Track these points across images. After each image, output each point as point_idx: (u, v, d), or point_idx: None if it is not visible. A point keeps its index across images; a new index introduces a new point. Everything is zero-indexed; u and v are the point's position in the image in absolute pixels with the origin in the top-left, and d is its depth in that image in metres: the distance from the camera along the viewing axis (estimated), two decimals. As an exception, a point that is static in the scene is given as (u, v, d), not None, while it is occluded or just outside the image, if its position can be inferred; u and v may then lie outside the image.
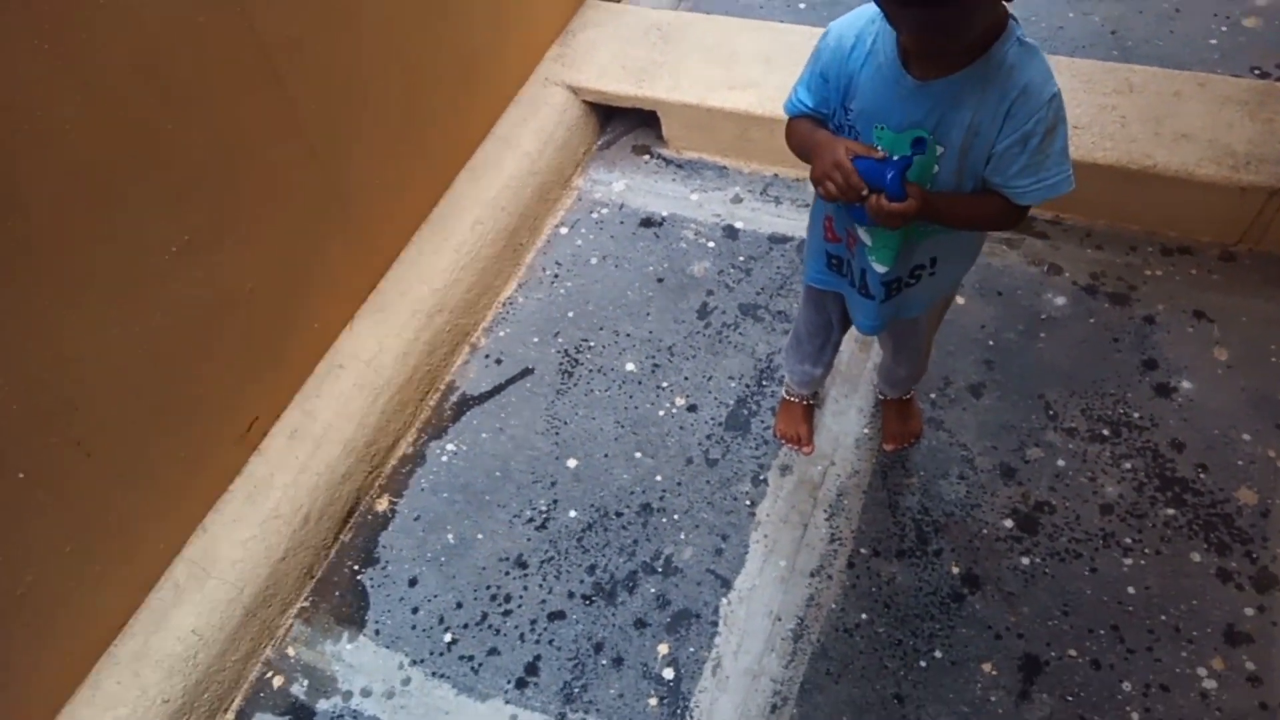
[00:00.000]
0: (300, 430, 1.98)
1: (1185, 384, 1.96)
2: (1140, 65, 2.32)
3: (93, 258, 1.47)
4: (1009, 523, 1.84)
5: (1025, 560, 1.78)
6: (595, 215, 2.51)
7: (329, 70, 1.84)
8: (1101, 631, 1.69)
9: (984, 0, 1.05)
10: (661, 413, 2.11)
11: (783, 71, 2.43)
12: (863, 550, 1.84)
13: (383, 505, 2.06)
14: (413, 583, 1.93)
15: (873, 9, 1.22)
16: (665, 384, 2.15)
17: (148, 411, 1.65)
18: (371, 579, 1.95)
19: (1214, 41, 2.54)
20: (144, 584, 1.76)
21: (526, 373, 2.23)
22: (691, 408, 2.10)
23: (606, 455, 2.06)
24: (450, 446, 2.13)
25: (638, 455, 2.05)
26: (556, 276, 2.39)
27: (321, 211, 1.94)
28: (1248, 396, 1.92)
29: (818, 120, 1.37)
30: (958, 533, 1.84)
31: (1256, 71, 2.44)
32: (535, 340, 2.28)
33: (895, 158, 1.21)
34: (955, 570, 1.79)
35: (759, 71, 2.45)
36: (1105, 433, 1.93)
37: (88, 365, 1.51)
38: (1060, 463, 1.90)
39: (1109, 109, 2.22)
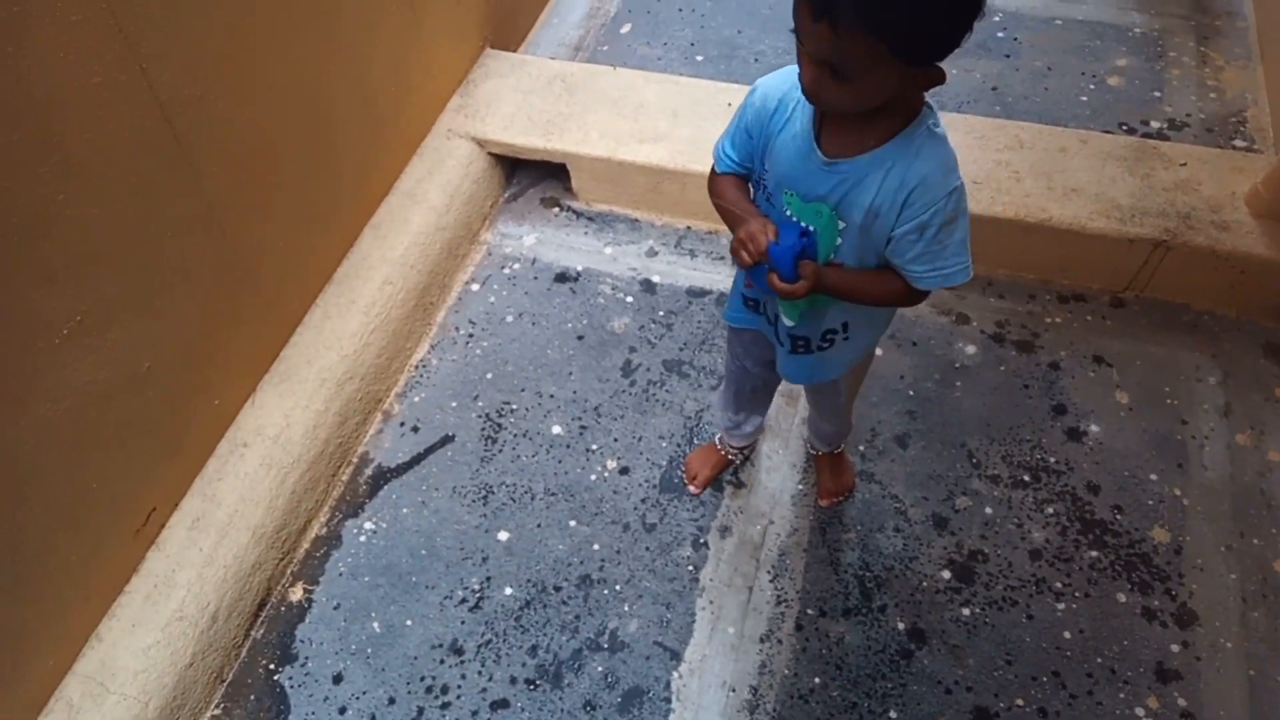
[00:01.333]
0: (203, 519, 1.80)
1: (1093, 427, 2.06)
2: (1024, 121, 2.45)
3: (-27, 348, 1.29)
4: (947, 574, 1.87)
5: (966, 611, 1.82)
6: (507, 270, 2.43)
7: (229, 128, 1.70)
8: (1044, 678, 1.73)
9: (876, 61, 1.02)
10: (594, 477, 2.04)
11: (690, 125, 2.43)
12: (809, 611, 1.83)
13: (297, 594, 1.89)
14: (337, 679, 1.78)
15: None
16: (595, 446, 2.09)
17: (33, 515, 1.46)
18: (291, 679, 1.78)
19: (1084, 99, 2.72)
20: (32, 707, 1.54)
21: (447, 440, 2.11)
22: (624, 470, 2.04)
23: (539, 525, 1.97)
24: (369, 525, 1.99)
25: (572, 524, 1.97)
26: (471, 336, 2.29)
27: (223, 279, 1.78)
28: (1149, 438, 2.04)
29: (741, 179, 1.38)
30: (899, 587, 1.86)
31: (1124, 127, 2.63)
32: (454, 405, 2.17)
33: (790, 241, 1.20)
34: (901, 626, 1.80)
35: (666, 124, 2.45)
36: (1026, 478, 2.00)
37: (-36, 471, 1.32)
38: (988, 510, 1.95)
39: (1003, 164, 2.33)
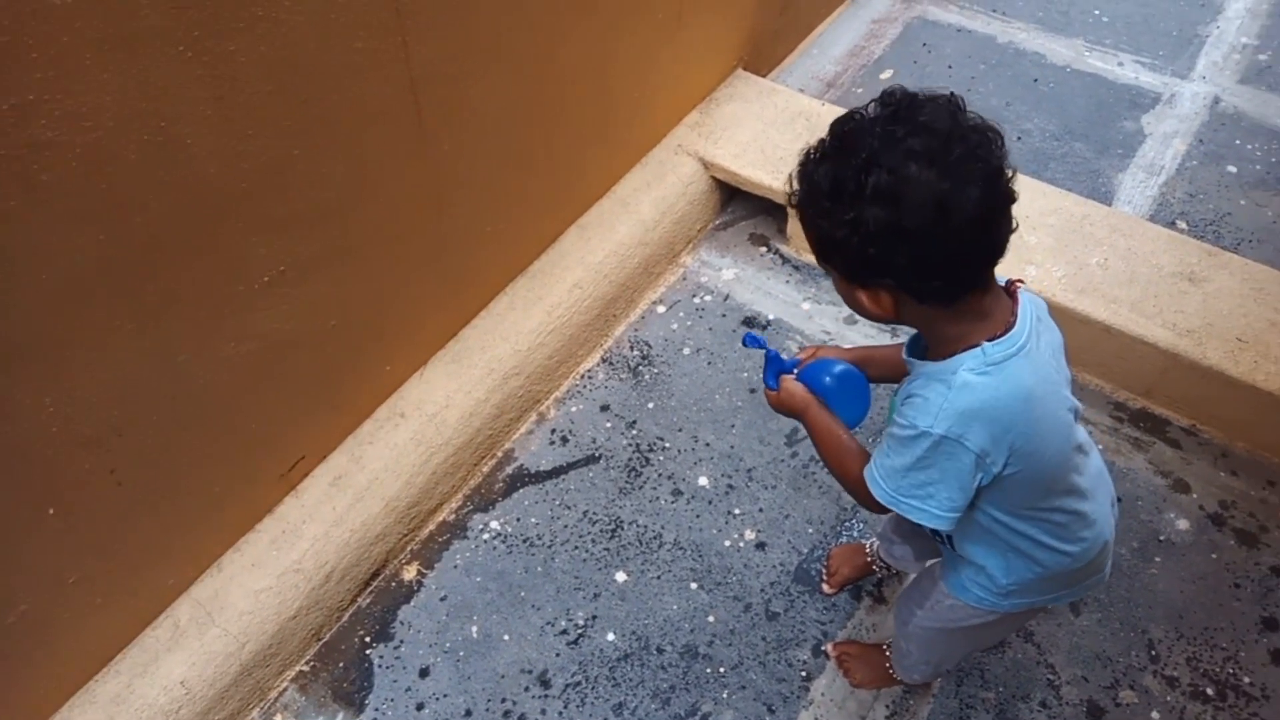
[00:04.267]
0: (344, 478, 1.81)
1: (1310, 660, 1.76)
2: (1318, 281, 2.12)
3: (181, 279, 1.31)
4: (1086, 773, 1.64)
5: (1100, 824, 1.59)
6: (697, 300, 2.33)
7: (470, 111, 1.69)
8: None
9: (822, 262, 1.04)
10: (728, 543, 1.93)
11: (931, 197, 2.24)
12: (921, 765, 1.65)
13: (410, 574, 1.89)
14: (424, 673, 1.76)
15: None
16: (737, 511, 1.97)
17: (192, 441, 1.50)
18: (381, 657, 1.78)
19: (1396, 270, 2.33)
20: (142, 618, 1.60)
21: (592, 460, 2.05)
22: (760, 545, 1.92)
23: (659, 577, 1.88)
24: (495, 524, 1.96)
25: (693, 586, 1.87)
26: (644, 359, 2.22)
27: (427, 253, 1.78)
28: (1379, 694, 1.71)
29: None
30: (1029, 771, 1.65)
31: None
32: (608, 425, 2.11)
33: (770, 351, 1.30)
34: (1020, 816, 1.60)
35: (905, 191, 2.27)
36: (1209, 691, 1.73)
37: (143, 390, 1.36)
38: (1154, 715, 1.70)
39: (1278, 326, 2.02)
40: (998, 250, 0.97)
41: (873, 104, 0.97)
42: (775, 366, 1.29)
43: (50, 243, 1.12)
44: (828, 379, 1.24)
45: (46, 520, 1.30)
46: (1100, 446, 2.03)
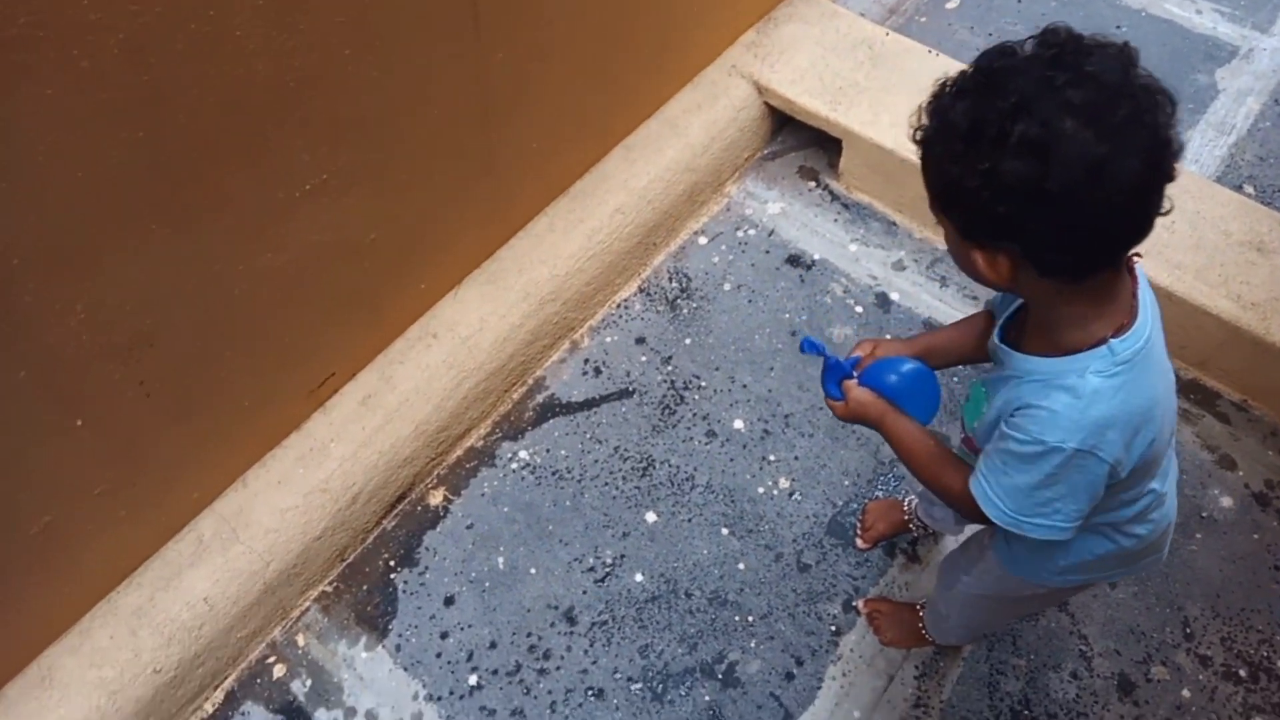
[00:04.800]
0: (374, 397, 1.74)
1: (1345, 648, 1.74)
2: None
3: (222, 183, 1.22)
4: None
5: (1122, 794, 1.58)
6: (740, 234, 2.24)
7: (528, 17, 1.56)
8: None
9: (941, 219, 0.93)
10: (761, 489, 1.88)
11: (995, 142, 2.13)
12: (947, 727, 1.64)
13: (436, 499, 1.84)
14: (449, 601, 1.72)
15: None
16: (772, 458, 1.92)
17: (224, 353, 1.42)
18: (405, 582, 1.74)
19: None
20: (166, 531, 1.55)
21: (625, 394, 1.99)
22: (794, 494, 1.87)
23: (690, 520, 1.84)
24: (524, 454, 1.90)
25: (724, 532, 1.83)
26: (683, 291, 2.14)
27: (472, 167, 1.68)
28: None
29: (990, 323, 1.22)
30: (1056, 738, 1.63)
31: None
32: (642, 359, 2.04)
33: (829, 357, 1.18)
34: (1044, 783, 1.59)
35: (969, 133, 2.15)
36: (1242, 673, 1.71)
37: (177, 299, 1.27)
38: (1185, 693, 1.68)
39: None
40: (1144, 231, 0.87)
41: (1030, 41, 0.86)
42: (836, 373, 1.17)
43: (87, 137, 1.02)
44: (894, 378, 1.13)
45: (74, 431, 1.24)
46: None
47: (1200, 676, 1.70)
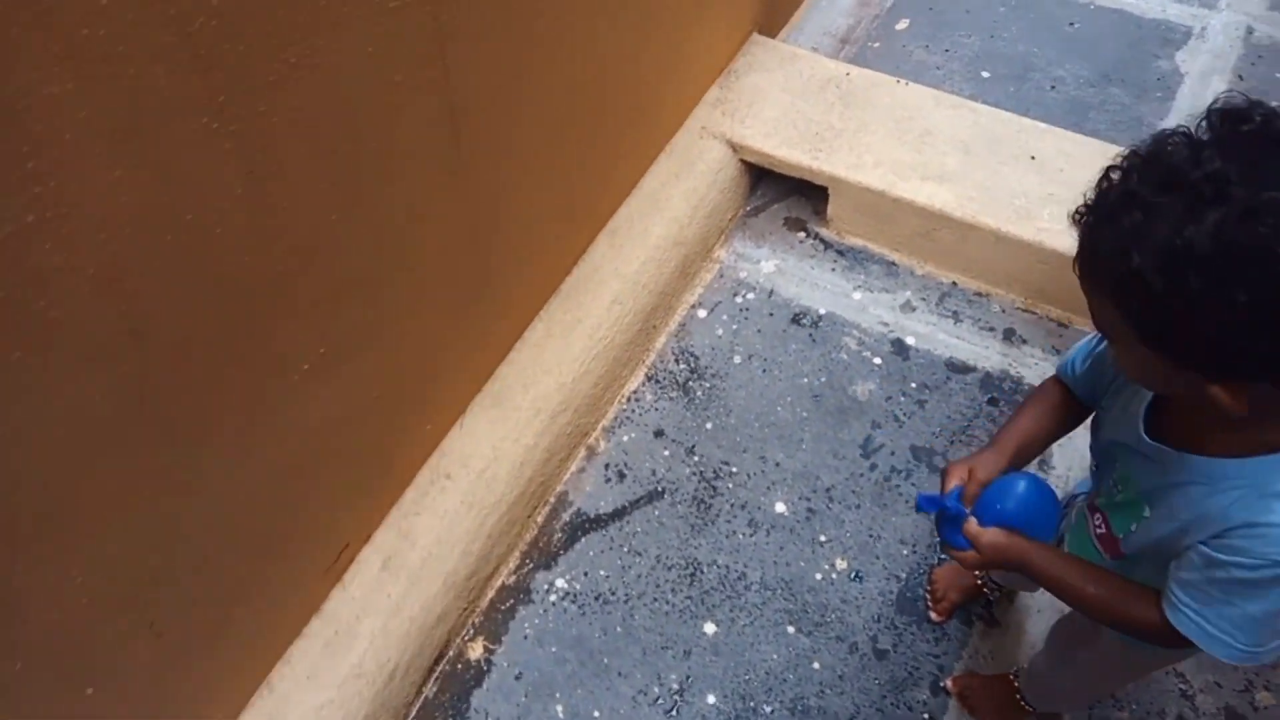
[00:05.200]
0: (395, 559, 1.59)
1: None
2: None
3: (214, 393, 1.06)
4: (1229, 798, 1.54)
5: None
6: (739, 299, 2.13)
7: (509, 127, 1.43)
8: None
9: (1121, 334, 0.77)
10: (819, 576, 1.76)
11: (984, 166, 2.06)
12: (1068, 807, 1.53)
13: (477, 652, 1.69)
14: (514, 767, 1.57)
15: None
16: (823, 538, 1.80)
17: (233, 566, 1.26)
18: (463, 755, 1.58)
19: None
20: (192, 764, 1.37)
21: (655, 496, 1.86)
22: (857, 575, 1.76)
23: (752, 622, 1.71)
24: (561, 583, 1.76)
25: (790, 630, 1.70)
26: (693, 373, 2.01)
27: (465, 294, 1.54)
28: None
29: (1067, 399, 1.11)
30: (1178, 801, 1.54)
31: None
32: (665, 453, 1.91)
33: (946, 504, 1.02)
34: None
35: (956, 161, 2.08)
36: (1347, 688, 1.64)
37: (181, 527, 1.11)
38: (1296, 720, 1.61)
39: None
40: None
41: (1207, 125, 0.71)
42: (955, 523, 1.02)
43: (64, 393, 0.86)
44: (1011, 504, 1.00)
45: (84, 701, 1.06)
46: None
47: (1307, 699, 1.63)
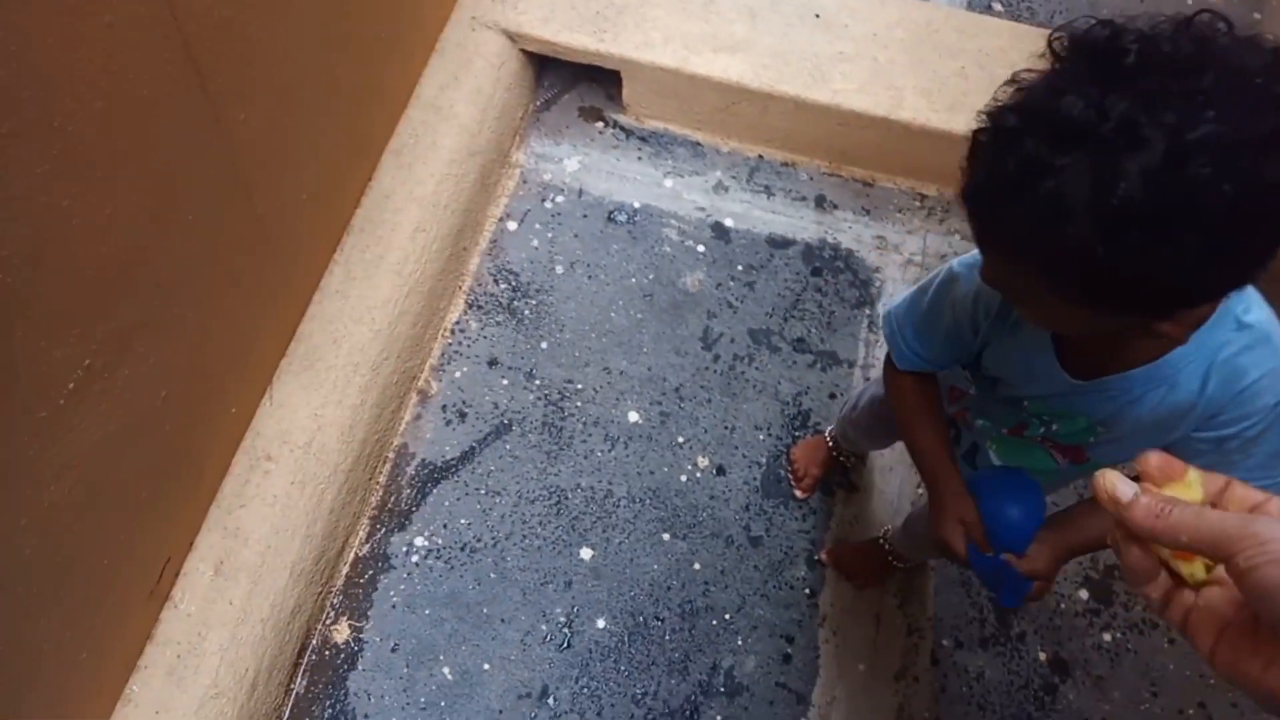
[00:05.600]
0: (228, 561, 1.41)
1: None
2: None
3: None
4: (1084, 593, 1.70)
5: (1107, 636, 1.66)
6: (549, 204, 1.99)
7: (255, 54, 1.21)
8: (1191, 710, 1.61)
9: (1037, 295, 0.70)
10: (684, 478, 1.74)
11: (773, 31, 2.00)
12: (945, 642, 1.63)
13: (343, 634, 1.55)
14: (410, 744, 1.48)
15: None
16: (681, 439, 1.77)
17: (34, 617, 1.05)
18: (352, 746, 1.47)
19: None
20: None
21: (503, 429, 1.75)
22: (719, 470, 1.75)
23: (627, 538, 1.67)
24: (420, 541, 1.64)
25: (666, 537, 1.68)
26: (516, 291, 1.89)
27: (244, 251, 1.32)
28: None
29: (927, 376, 1.07)
30: (1036, 610, 1.68)
31: None
32: (504, 382, 1.79)
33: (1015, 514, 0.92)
34: (1042, 656, 1.63)
35: (744, 28, 2.01)
36: (1152, 477, 1.82)
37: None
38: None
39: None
40: None
41: (1078, 63, 0.63)
42: (1006, 575, 0.92)
43: None
44: (1017, 515, 0.91)
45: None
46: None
47: (1124, 495, 1.79)
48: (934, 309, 1.00)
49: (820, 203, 2.04)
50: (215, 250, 1.23)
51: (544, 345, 1.83)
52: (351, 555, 1.61)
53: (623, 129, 2.10)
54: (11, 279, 0.84)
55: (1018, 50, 2.04)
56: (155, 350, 1.13)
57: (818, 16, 2.04)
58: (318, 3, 1.37)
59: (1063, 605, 1.68)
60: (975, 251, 0.83)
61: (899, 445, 1.78)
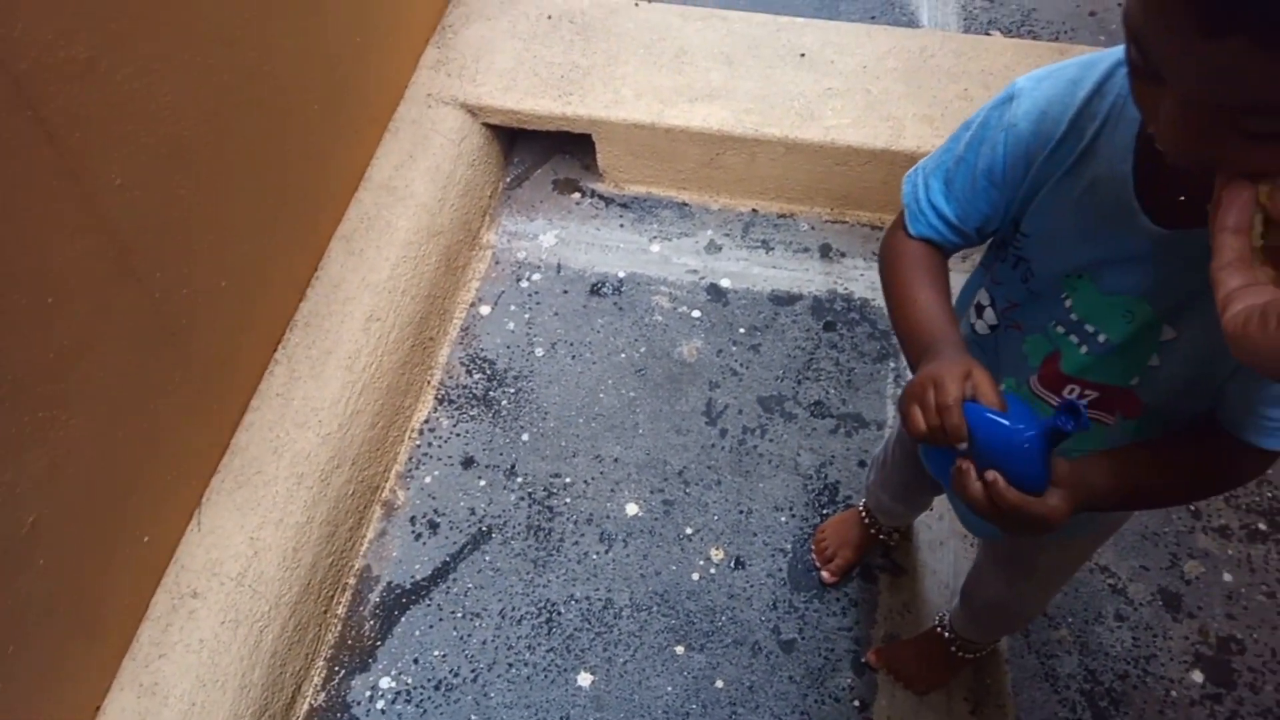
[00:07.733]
0: (142, 727, 1.16)
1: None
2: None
3: None
4: (1198, 675, 1.38)
5: (1238, 730, 1.33)
6: (524, 283, 1.80)
7: (130, 111, 1.04)
8: (1364, 823, 1.27)
9: None
10: (696, 576, 1.47)
11: (752, 75, 1.84)
12: (1036, 754, 1.32)
13: (296, 806, 1.28)
14: None
15: (1105, 67, 0.68)
16: (689, 530, 1.51)
17: None
18: None
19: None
20: None
21: (481, 538, 1.50)
22: (737, 563, 1.48)
23: (634, 655, 1.40)
24: (386, 682, 1.38)
25: (679, 650, 1.40)
26: (491, 380, 1.67)
27: (140, 349, 1.12)
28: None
29: (942, 254, 0.83)
30: (1141, 701, 1.36)
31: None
32: (481, 484, 1.56)
33: (1033, 430, 0.64)
34: (1161, 763, 1.31)
35: (721, 75, 1.84)
36: (1262, 526, 1.52)
37: None
38: (1227, 577, 1.47)
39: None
40: None
41: None
42: (1039, 443, 0.65)
43: None
44: (1034, 432, 0.64)
45: None
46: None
47: (1229, 551, 1.49)
48: (975, 141, 0.77)
49: (825, 252, 1.83)
50: (93, 346, 1.04)
51: (525, 437, 1.60)
52: (305, 707, 1.35)
53: (601, 198, 1.92)
54: None
55: (1024, 67, 1.84)
56: (13, 476, 0.92)
57: (802, 56, 1.87)
58: (252, 97, 1.21)
59: (1172, 693, 1.36)
60: (1044, 68, 0.70)
61: (950, 515, 1.50)
